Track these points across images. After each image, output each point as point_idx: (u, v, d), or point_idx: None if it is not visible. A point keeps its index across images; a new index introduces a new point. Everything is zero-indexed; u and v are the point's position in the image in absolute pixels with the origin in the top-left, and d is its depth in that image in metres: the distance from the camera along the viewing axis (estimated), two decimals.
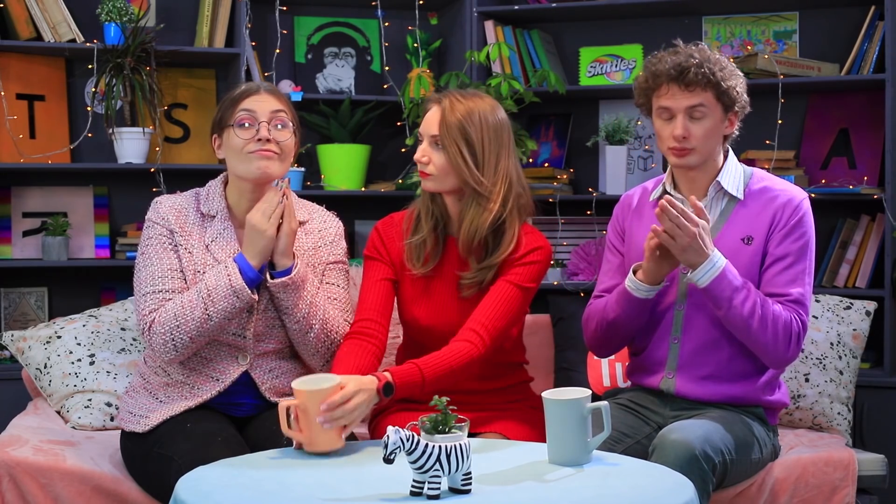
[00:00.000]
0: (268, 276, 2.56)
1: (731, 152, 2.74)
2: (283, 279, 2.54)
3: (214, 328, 2.52)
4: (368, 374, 2.41)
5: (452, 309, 2.68)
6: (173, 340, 2.52)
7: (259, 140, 2.59)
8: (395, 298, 2.77)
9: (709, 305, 2.61)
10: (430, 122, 2.65)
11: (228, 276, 2.50)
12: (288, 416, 2.29)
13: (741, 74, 2.69)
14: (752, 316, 2.55)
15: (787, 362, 2.64)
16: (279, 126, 2.62)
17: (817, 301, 3.29)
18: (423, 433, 2.00)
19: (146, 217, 2.70)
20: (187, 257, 2.62)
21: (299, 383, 2.31)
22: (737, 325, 2.58)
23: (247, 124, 2.60)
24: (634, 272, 2.64)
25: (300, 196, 2.84)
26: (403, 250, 2.72)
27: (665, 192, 2.77)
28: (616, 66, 4.03)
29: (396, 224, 2.78)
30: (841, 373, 3.21)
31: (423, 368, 2.49)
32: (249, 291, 2.50)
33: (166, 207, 2.68)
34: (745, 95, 2.68)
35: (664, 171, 2.81)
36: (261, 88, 2.66)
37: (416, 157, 2.66)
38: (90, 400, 3.09)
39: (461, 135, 2.61)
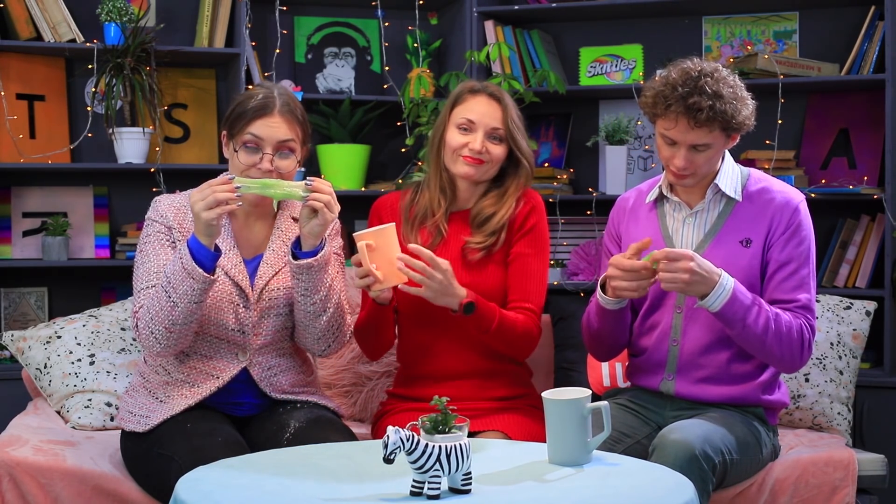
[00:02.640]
0: (291, 258, 2.55)
1: (727, 153, 2.72)
2: (308, 260, 2.53)
3: (183, 314, 2.49)
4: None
5: (460, 275, 2.73)
6: (152, 333, 2.52)
7: (260, 169, 2.58)
8: None
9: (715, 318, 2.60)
10: (490, 117, 2.76)
11: (181, 258, 2.47)
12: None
13: (750, 99, 2.62)
14: (767, 332, 2.55)
15: (799, 368, 2.65)
16: (285, 153, 2.61)
17: (817, 301, 3.29)
18: (423, 433, 2.00)
19: (146, 216, 2.70)
20: None
21: (362, 231, 2.55)
22: (752, 343, 2.58)
23: (253, 147, 2.59)
24: (602, 286, 2.64)
25: None
26: (401, 226, 2.82)
27: (661, 195, 2.77)
28: (616, 66, 4.03)
29: (394, 201, 2.88)
30: (841, 373, 3.21)
31: (500, 311, 2.69)
32: (201, 270, 2.46)
33: (165, 205, 2.68)
34: (754, 119, 2.63)
35: (664, 170, 2.81)
36: (275, 109, 2.60)
37: (474, 146, 2.73)
38: (90, 400, 3.09)
39: (523, 126, 2.80)
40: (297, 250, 2.56)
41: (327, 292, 2.58)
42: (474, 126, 2.75)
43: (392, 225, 2.56)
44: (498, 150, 2.76)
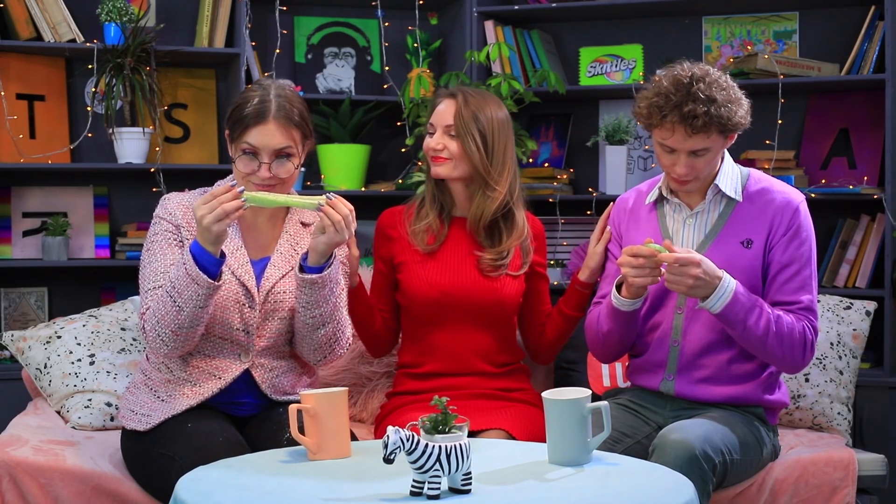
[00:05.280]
0: (297, 269, 2.54)
1: (727, 154, 2.72)
2: (312, 276, 2.52)
3: (189, 318, 2.48)
4: None
5: (468, 274, 2.86)
6: (159, 336, 2.52)
7: (259, 177, 2.57)
8: (397, 285, 2.95)
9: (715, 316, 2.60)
10: (445, 114, 2.87)
11: (184, 264, 2.46)
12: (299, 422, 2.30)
13: (744, 98, 2.62)
14: (767, 334, 2.55)
15: (801, 369, 2.65)
16: (283, 157, 2.58)
17: (818, 301, 3.29)
18: (423, 433, 2.00)
19: (154, 214, 2.69)
20: None
21: (309, 391, 2.31)
22: (753, 344, 2.58)
23: (250, 154, 2.57)
24: (618, 287, 2.63)
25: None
26: (408, 233, 2.92)
27: (661, 196, 2.77)
28: (616, 66, 4.03)
29: (397, 213, 2.98)
30: (841, 373, 3.21)
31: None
32: (206, 276, 2.44)
33: (174, 203, 2.67)
34: (749, 116, 2.62)
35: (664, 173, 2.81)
36: (270, 116, 2.57)
37: (432, 145, 2.86)
38: (90, 400, 3.09)
39: (475, 125, 2.84)
40: (304, 262, 2.55)
41: (330, 309, 2.57)
42: (433, 127, 2.88)
43: (345, 390, 2.32)
44: (454, 145, 2.84)
